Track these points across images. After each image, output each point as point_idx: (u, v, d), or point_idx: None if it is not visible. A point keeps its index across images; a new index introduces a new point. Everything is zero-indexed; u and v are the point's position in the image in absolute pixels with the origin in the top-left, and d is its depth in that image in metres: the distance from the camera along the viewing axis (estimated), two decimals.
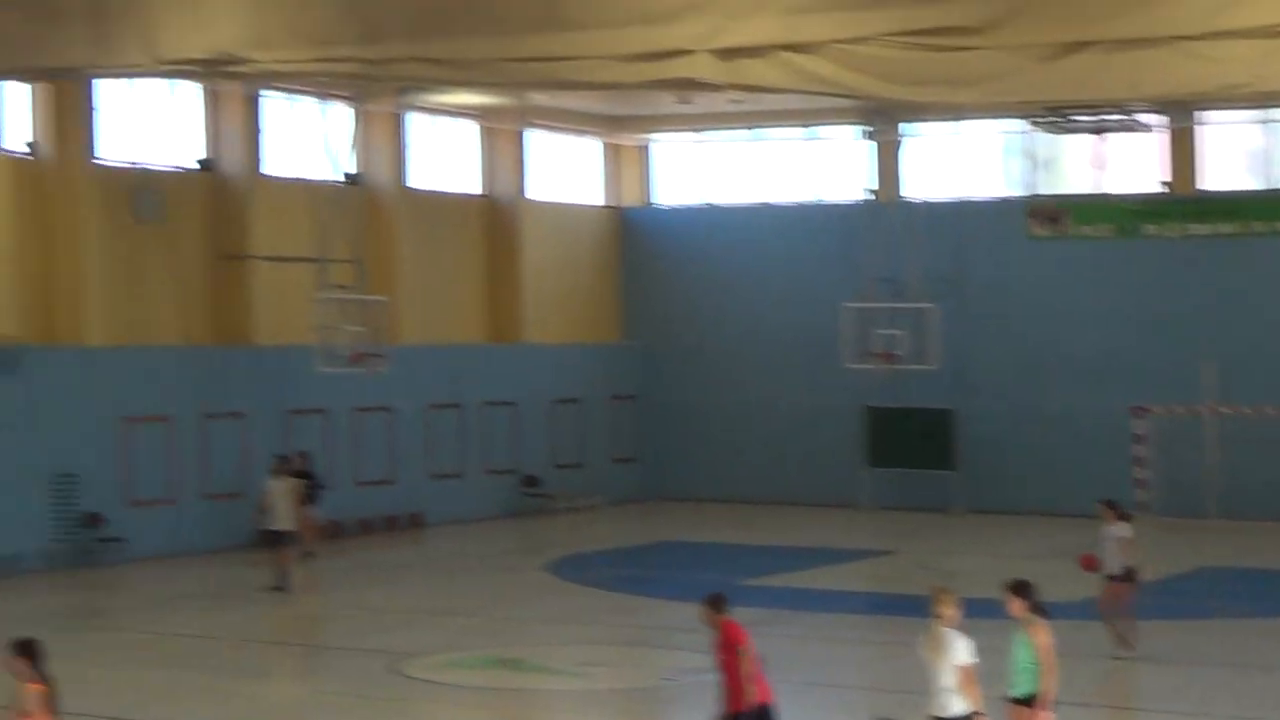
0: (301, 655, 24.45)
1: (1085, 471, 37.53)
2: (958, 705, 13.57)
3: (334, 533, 34.38)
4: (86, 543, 30.74)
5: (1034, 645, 13.97)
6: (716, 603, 14.55)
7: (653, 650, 22.77)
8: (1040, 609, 14.03)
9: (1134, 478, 36.48)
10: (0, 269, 29.75)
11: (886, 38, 15.08)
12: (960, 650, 13.54)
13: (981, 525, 37.11)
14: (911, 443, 39.52)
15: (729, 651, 14.40)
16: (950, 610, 13.69)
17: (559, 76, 16.98)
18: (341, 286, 33.41)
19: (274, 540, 28.06)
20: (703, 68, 16.26)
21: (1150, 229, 37.88)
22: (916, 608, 26.60)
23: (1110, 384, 37.93)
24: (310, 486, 30.51)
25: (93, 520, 30.81)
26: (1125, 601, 21.39)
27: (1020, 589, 14.04)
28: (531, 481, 39.77)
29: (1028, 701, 13.98)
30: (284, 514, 27.94)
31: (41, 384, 30.31)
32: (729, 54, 16.16)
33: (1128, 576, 21.30)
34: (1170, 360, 37.44)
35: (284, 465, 29.08)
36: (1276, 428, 36.30)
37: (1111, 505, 21.74)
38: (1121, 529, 21.43)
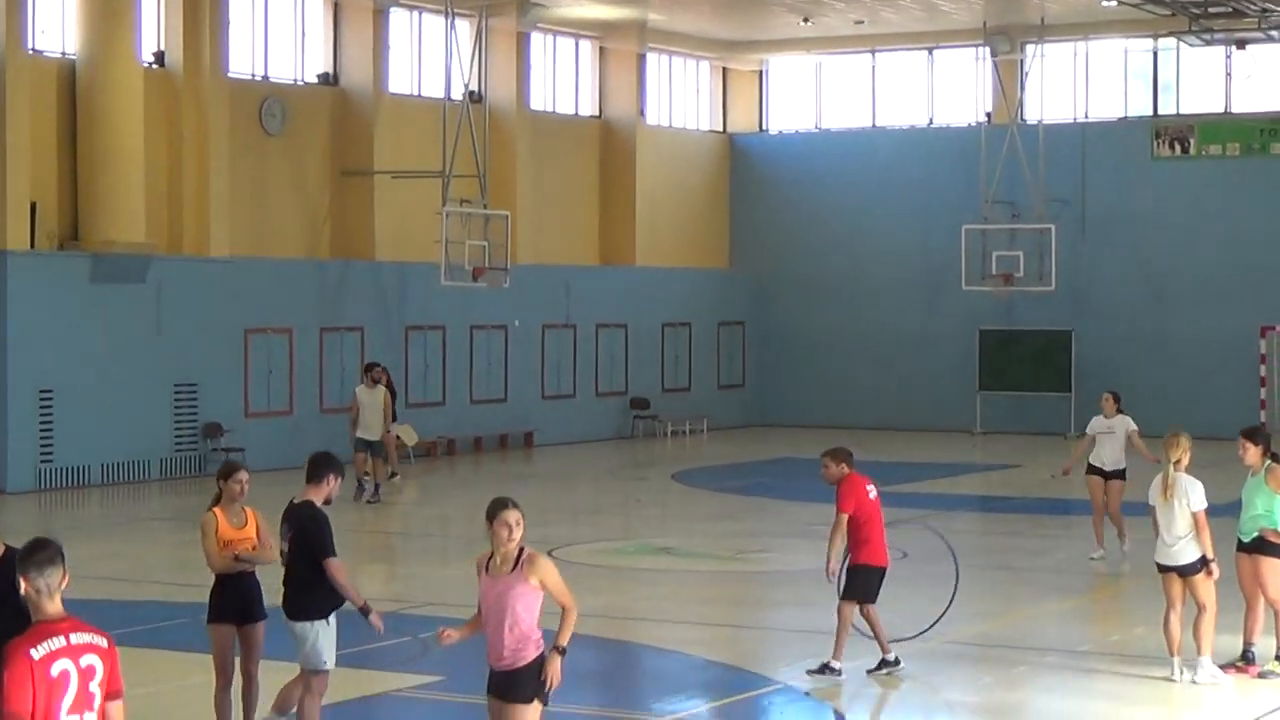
0: (448, 545, 24.44)
1: (1206, 392, 37.39)
2: (1191, 551, 13.53)
3: (447, 449, 34.60)
4: (205, 452, 30.91)
5: (1273, 489, 13.85)
6: (838, 455, 14.10)
7: (800, 539, 22.74)
8: (1276, 456, 13.90)
9: (1259, 398, 36.13)
10: (129, 178, 29.62)
11: None
12: (1196, 496, 13.47)
13: None
14: (1026, 366, 39.36)
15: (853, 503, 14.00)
16: (1186, 455, 13.56)
17: None
18: (464, 201, 33.49)
19: (368, 450, 27.06)
20: None
21: (1279, 147, 37.67)
22: (1063, 507, 26.72)
23: (1234, 304, 37.71)
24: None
25: (212, 430, 31.01)
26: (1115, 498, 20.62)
27: (1255, 435, 13.91)
28: (640, 404, 39.82)
29: (1261, 548, 13.91)
30: (374, 424, 26.84)
31: (167, 294, 30.33)
32: None
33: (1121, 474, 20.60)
34: None
35: (375, 374, 27.52)
36: None
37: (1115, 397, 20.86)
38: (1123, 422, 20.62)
